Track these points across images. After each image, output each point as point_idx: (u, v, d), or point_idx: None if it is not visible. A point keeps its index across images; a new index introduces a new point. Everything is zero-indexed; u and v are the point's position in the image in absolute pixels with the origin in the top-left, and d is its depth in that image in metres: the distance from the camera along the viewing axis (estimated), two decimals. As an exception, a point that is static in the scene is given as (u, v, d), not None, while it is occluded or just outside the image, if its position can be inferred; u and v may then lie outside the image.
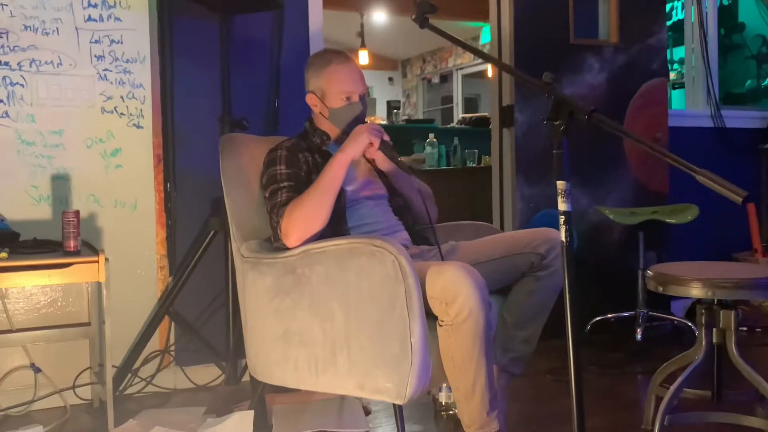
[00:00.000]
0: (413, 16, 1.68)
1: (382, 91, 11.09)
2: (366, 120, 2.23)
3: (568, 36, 3.66)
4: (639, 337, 3.36)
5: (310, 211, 1.95)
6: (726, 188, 1.15)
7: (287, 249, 1.96)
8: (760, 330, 3.74)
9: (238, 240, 2.10)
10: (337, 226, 2.05)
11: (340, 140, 2.22)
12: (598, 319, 3.58)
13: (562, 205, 1.41)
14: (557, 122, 1.39)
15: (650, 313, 3.49)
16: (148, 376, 2.84)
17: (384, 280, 1.75)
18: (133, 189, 2.84)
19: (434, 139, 5.56)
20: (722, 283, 1.94)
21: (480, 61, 7.85)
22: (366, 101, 2.26)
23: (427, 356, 1.76)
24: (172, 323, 2.90)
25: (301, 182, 2.07)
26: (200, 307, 2.95)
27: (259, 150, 2.31)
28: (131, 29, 2.81)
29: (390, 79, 11.50)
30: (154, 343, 2.86)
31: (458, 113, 9.91)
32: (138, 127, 2.84)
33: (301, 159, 2.13)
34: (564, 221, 1.41)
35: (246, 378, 2.77)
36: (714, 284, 1.95)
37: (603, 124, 1.32)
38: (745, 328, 3.76)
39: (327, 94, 2.17)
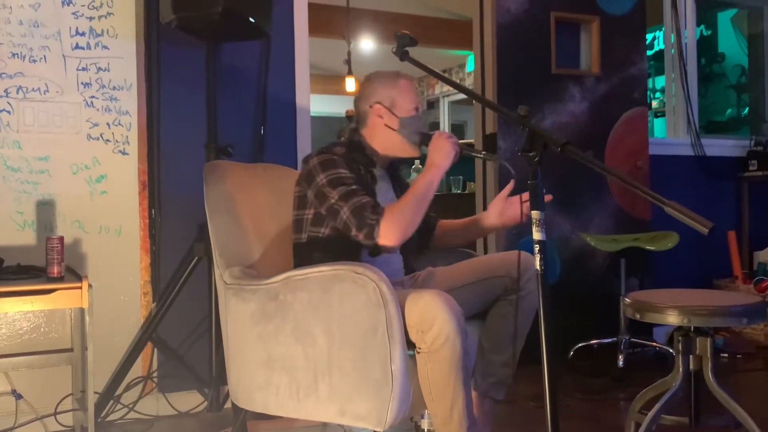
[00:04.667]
0: (393, 49, 1.72)
1: (370, 117, 11.14)
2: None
3: (550, 65, 3.73)
4: (621, 363, 3.38)
5: (410, 217, 1.96)
6: (693, 219, 1.19)
7: (374, 249, 1.97)
8: (741, 356, 3.78)
9: (221, 266, 2.12)
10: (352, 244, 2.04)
11: (387, 161, 2.24)
12: (581, 344, 3.60)
13: (536, 235, 1.44)
14: (532, 153, 1.42)
15: (632, 339, 3.51)
16: (130, 402, 2.83)
17: (366, 306, 1.77)
18: (117, 215, 2.85)
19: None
20: (698, 311, 1.97)
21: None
22: None
23: (407, 383, 1.77)
24: (155, 349, 2.90)
25: (368, 188, 2.06)
26: (184, 334, 2.95)
27: (244, 176, 2.34)
28: (118, 57, 2.84)
29: (378, 105, 11.56)
30: (137, 370, 2.85)
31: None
32: (124, 153, 2.86)
33: (355, 168, 2.10)
34: (539, 250, 1.44)
35: (229, 405, 2.76)
36: (690, 311, 1.97)
37: (576, 156, 1.35)
38: (726, 354, 3.80)
39: (398, 103, 2.17)
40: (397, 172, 2.34)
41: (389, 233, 1.93)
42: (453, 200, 5.44)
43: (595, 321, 3.64)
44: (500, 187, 3.63)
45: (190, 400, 2.93)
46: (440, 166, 2.03)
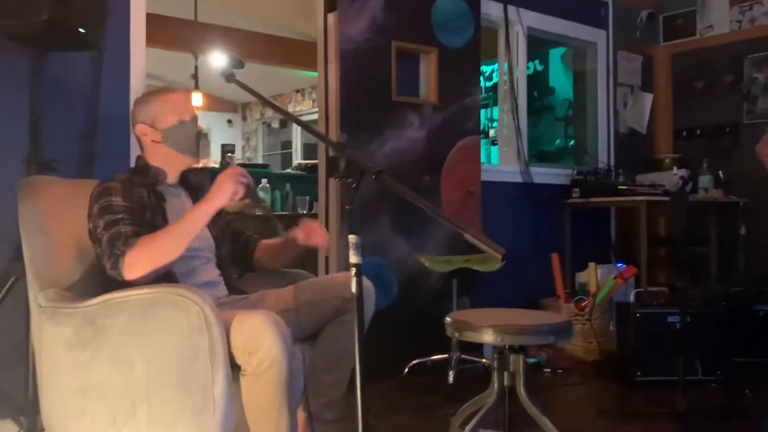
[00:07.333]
0: (220, 71, 1.72)
1: (221, 133, 10.96)
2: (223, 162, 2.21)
3: (391, 93, 3.85)
4: (451, 379, 3.53)
5: (163, 250, 1.91)
6: (488, 245, 1.28)
7: (122, 283, 1.89)
8: (562, 371, 4.04)
9: (35, 288, 2.00)
10: (164, 275, 2.01)
11: (175, 177, 2.21)
12: (415, 362, 3.72)
13: (353, 258, 1.49)
14: (349, 180, 1.47)
15: (462, 356, 3.68)
16: (-68, 435, 2.59)
17: (187, 331, 1.75)
18: (-77, 231, 2.62)
19: (267, 185, 5.58)
20: (509, 330, 2.11)
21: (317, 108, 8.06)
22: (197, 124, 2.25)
23: (229, 407, 1.76)
24: (-35, 377, 2.68)
25: (140, 217, 2.01)
26: (-2, 359, 2.75)
27: (67, 193, 2.23)
28: (-71, 61, 2.63)
29: (229, 121, 11.41)
30: (-58, 399, 2.62)
31: (297, 159, 10.00)
32: (-67, 165, 2.64)
33: (136, 194, 2.07)
34: (355, 273, 1.49)
35: (46, 434, 2.60)
36: (503, 330, 2.11)
37: (388, 184, 1.42)
38: (549, 370, 4.06)
39: (157, 117, 2.15)
40: (194, 183, 2.29)
41: (133, 264, 1.89)
42: (297, 221, 5.44)
43: (430, 339, 3.77)
44: (342, 210, 3.71)
45: (4, 430, 2.73)
46: (214, 202, 1.96)
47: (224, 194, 1.96)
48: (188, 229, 1.94)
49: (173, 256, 1.93)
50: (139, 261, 1.89)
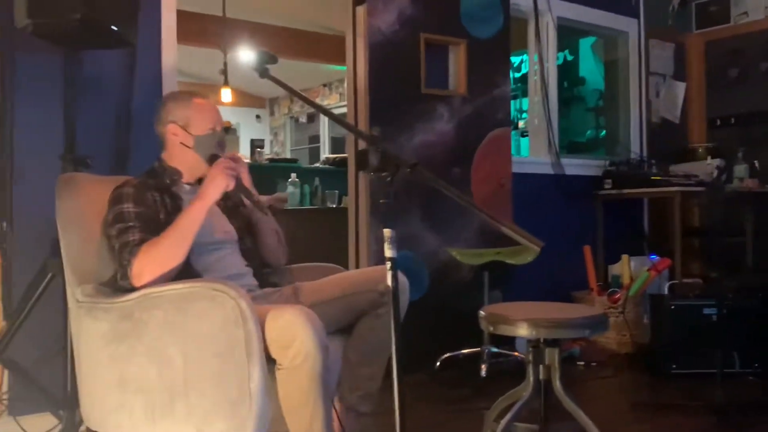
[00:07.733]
0: (254, 66, 1.73)
1: (249, 129, 11.03)
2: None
3: (420, 85, 3.83)
4: (483, 373, 3.52)
5: (166, 253, 1.93)
6: (526, 238, 1.27)
7: (130, 290, 1.92)
8: (595, 364, 4.01)
9: (72, 284, 2.03)
10: (183, 271, 2.03)
11: (193, 178, 2.22)
12: (447, 355, 3.71)
13: (388, 252, 1.48)
14: (384, 174, 1.47)
15: (495, 349, 3.66)
16: (-25, 428, 2.65)
17: (223, 325, 1.76)
18: (-37, 228, 2.67)
19: (297, 179, 5.61)
20: (545, 323, 2.09)
21: (345, 102, 8.07)
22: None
23: (266, 401, 1.77)
24: (6, 370, 2.73)
25: (151, 222, 2.02)
26: (37, 354, 2.79)
27: (101, 190, 2.25)
28: (-33, 61, 2.68)
29: (257, 116, 11.48)
30: (-16, 393, 2.68)
31: (325, 153, 10.03)
32: (-28, 162, 2.69)
33: (149, 198, 2.09)
34: (390, 267, 1.49)
35: (84, 427, 2.64)
36: (538, 324, 2.09)
37: (424, 177, 1.41)
38: (582, 363, 4.02)
39: (192, 122, 2.17)
40: None
41: (140, 273, 1.90)
42: (326, 215, 5.47)
43: (461, 332, 3.75)
44: (372, 204, 3.71)
45: (44, 423, 2.77)
46: (206, 198, 1.98)
47: (217, 188, 1.99)
48: (186, 227, 1.96)
49: (179, 256, 1.95)
50: (145, 268, 1.91)
